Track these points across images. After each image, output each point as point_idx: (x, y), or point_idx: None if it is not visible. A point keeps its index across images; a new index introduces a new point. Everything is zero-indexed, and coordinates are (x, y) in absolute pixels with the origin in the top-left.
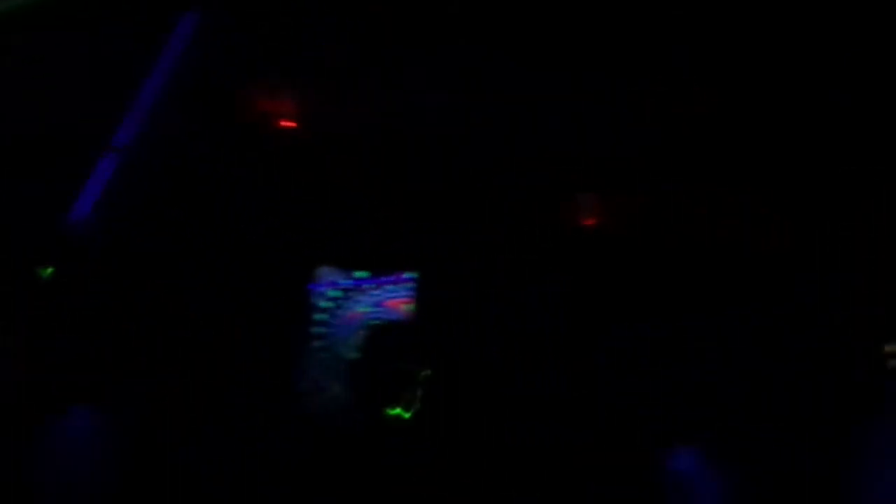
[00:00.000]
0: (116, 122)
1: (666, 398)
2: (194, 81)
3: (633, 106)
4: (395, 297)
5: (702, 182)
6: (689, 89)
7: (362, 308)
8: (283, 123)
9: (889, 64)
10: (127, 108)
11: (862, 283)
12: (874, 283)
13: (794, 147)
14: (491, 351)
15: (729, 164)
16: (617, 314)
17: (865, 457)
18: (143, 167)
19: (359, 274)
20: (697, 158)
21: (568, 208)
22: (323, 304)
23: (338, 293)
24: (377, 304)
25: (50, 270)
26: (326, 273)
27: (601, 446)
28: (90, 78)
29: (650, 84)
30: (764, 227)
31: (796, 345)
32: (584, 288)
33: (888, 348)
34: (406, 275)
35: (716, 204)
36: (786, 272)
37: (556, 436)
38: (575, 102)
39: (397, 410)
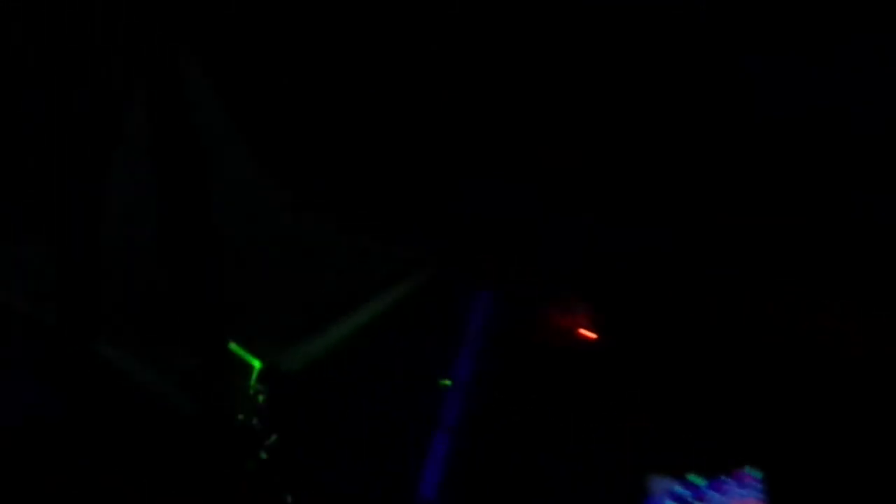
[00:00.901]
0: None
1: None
2: (499, 344)
3: None
4: (743, 499)
5: None
6: None
7: None
8: (584, 334)
9: None
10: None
11: None
12: None
13: None
14: None
15: None
16: None
17: None
18: (472, 440)
19: (696, 479)
20: None
21: None
22: None
23: None
24: None
25: None
26: (661, 484)
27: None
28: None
29: None
30: None
31: None
32: None
33: None
34: (750, 472)
35: None
36: None
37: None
38: None
39: None
